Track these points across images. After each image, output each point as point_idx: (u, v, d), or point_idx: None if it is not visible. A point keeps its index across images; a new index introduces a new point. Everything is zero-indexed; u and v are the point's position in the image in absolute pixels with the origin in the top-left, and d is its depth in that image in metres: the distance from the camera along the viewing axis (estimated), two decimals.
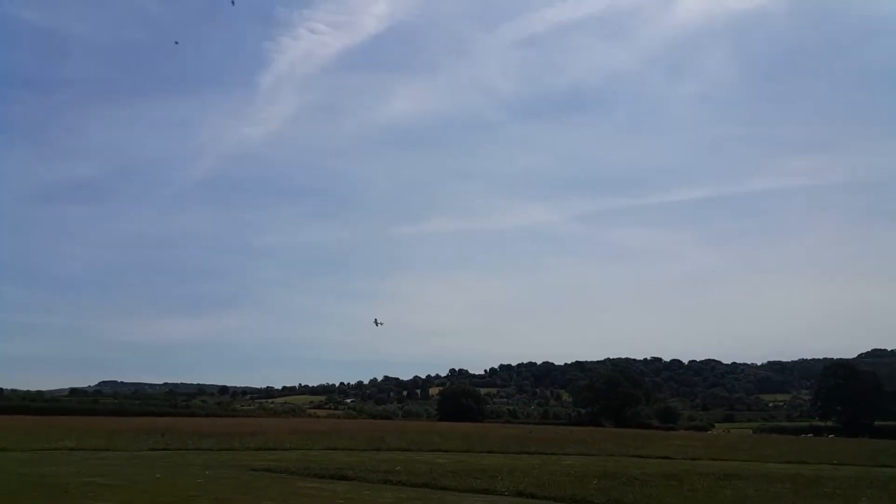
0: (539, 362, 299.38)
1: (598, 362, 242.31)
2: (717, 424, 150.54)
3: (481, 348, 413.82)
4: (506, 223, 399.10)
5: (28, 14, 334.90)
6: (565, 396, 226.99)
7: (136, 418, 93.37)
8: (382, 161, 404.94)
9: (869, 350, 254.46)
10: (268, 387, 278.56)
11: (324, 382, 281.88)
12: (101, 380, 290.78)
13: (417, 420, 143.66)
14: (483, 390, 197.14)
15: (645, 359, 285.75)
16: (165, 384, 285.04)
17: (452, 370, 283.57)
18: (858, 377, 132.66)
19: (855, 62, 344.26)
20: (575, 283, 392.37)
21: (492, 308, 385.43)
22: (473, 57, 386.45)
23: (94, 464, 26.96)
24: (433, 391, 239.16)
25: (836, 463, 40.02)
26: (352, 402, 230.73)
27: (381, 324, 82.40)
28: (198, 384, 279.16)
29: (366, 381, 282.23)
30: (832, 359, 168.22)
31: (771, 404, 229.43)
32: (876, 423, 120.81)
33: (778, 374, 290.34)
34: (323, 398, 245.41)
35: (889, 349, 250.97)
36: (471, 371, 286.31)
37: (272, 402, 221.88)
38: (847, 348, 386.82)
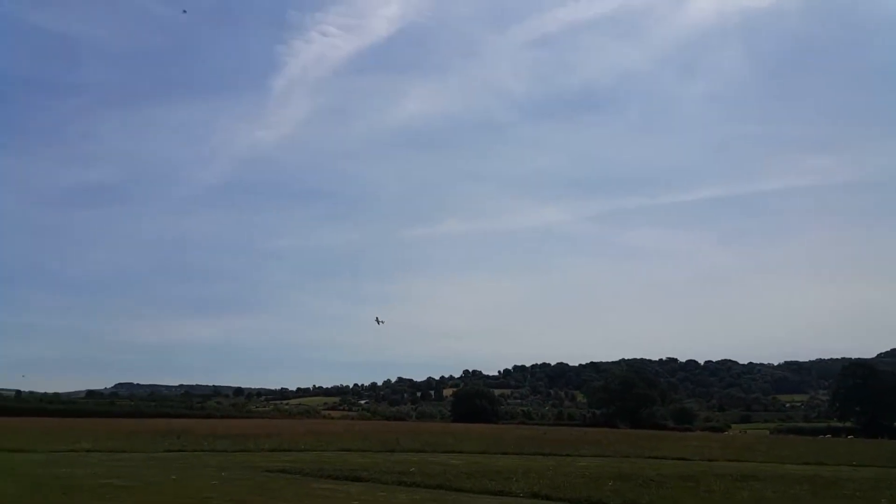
0: (553, 363, 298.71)
1: (612, 363, 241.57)
2: (733, 425, 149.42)
3: (495, 349, 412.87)
4: (518, 224, 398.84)
5: (44, 20, 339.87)
6: (580, 397, 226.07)
7: (152, 420, 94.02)
8: (394, 163, 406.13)
9: (888, 349, 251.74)
10: (282, 388, 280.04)
11: (338, 384, 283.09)
12: (117, 382, 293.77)
13: (431, 421, 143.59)
14: (497, 391, 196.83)
15: (660, 359, 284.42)
16: (181, 386, 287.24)
17: (466, 371, 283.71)
18: (878, 377, 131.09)
19: (866, 61, 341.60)
20: (588, 283, 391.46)
21: (505, 309, 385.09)
22: (485, 58, 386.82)
23: (111, 465, 27.12)
24: (447, 392, 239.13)
25: (855, 464, 39.49)
26: (366, 403, 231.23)
27: (382, 322, 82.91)
28: (213, 386, 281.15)
29: (379, 383, 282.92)
30: (850, 358, 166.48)
31: (788, 405, 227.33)
32: None
33: (795, 375, 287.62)
34: (337, 399, 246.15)
35: None
36: (484, 372, 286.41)
37: (286, 404, 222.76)
38: (866, 348, 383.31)
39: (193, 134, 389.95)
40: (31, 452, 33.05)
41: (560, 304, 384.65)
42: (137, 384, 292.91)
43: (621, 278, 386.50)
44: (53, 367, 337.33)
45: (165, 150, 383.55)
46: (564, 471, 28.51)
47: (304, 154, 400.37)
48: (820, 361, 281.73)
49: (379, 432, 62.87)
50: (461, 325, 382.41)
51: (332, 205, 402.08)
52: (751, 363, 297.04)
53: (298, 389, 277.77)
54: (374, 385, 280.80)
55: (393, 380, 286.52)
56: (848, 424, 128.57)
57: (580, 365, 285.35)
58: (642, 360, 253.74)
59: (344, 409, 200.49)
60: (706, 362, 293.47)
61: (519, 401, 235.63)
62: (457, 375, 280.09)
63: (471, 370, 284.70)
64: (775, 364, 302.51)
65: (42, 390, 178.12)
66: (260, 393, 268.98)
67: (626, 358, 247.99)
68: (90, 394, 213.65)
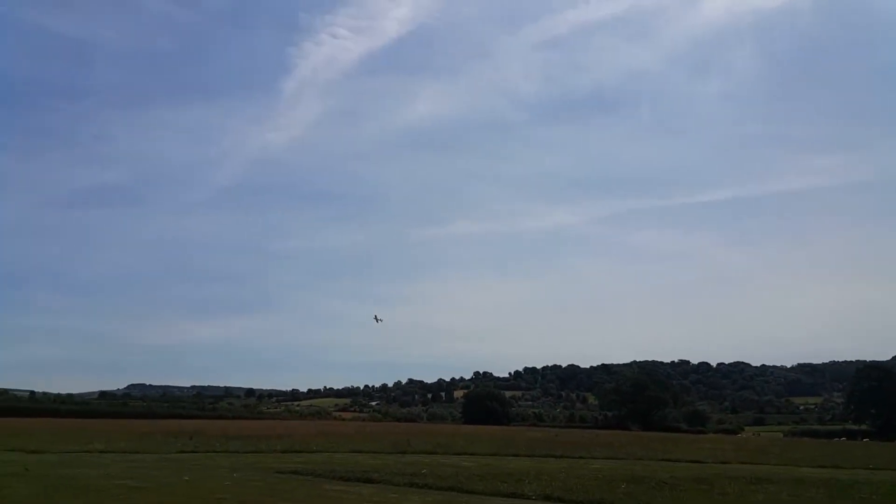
0: (564, 365, 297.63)
1: (624, 365, 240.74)
2: (746, 428, 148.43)
3: (505, 351, 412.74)
4: (528, 225, 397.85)
5: (57, 24, 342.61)
6: (591, 399, 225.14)
7: (165, 421, 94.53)
8: (404, 164, 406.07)
9: None
10: (293, 389, 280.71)
11: (348, 385, 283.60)
12: (129, 383, 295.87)
13: (442, 423, 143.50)
14: (508, 393, 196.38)
15: (672, 361, 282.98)
16: (193, 387, 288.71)
17: (477, 373, 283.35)
18: (893, 379, 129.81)
19: (878, 60, 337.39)
20: (599, 284, 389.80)
21: (515, 310, 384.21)
22: (495, 59, 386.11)
23: (124, 466, 27.23)
24: (458, 394, 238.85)
25: (872, 467, 39.08)
26: (376, 404, 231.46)
27: (381, 320, 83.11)
28: (225, 387, 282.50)
29: (390, 384, 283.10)
30: (865, 361, 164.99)
31: (802, 407, 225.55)
32: None
33: (808, 377, 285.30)
34: (348, 401, 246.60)
35: None
36: (495, 374, 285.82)
37: (298, 405, 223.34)
38: (880, 350, 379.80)
39: (204, 136, 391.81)
40: (44, 453, 33.25)
41: (571, 306, 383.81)
42: (150, 385, 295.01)
43: (632, 280, 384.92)
44: (67, 368, 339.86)
45: (176, 151, 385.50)
46: (577, 473, 28.35)
47: (315, 156, 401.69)
48: (834, 364, 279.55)
49: (390, 434, 62.87)
50: (471, 327, 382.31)
51: (343, 206, 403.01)
52: (764, 365, 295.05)
53: (309, 391, 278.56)
54: (384, 386, 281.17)
55: (403, 381, 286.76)
56: (863, 427, 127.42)
57: (591, 367, 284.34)
58: (654, 363, 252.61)
59: (355, 411, 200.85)
60: (718, 364, 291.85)
61: (530, 403, 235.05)
62: (467, 377, 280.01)
63: (481, 372, 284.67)
64: (788, 366, 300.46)
65: (55, 391, 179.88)
66: (271, 394, 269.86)
67: (637, 360, 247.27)
68: (103, 395, 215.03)
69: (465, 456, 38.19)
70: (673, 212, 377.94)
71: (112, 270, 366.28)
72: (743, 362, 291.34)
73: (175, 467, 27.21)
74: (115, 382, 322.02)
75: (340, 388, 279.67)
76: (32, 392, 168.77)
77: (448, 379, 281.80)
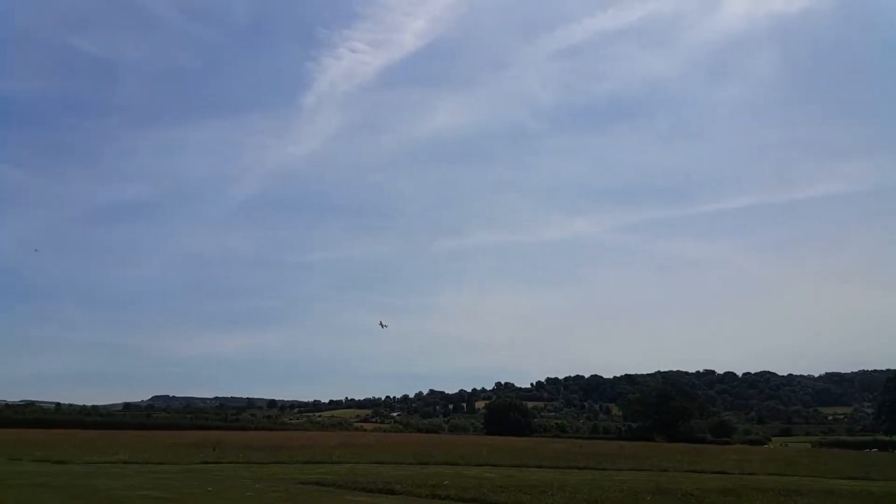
0: (587, 375, 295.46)
1: (648, 375, 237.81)
2: (773, 438, 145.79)
3: (527, 361, 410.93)
4: (550, 235, 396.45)
5: (82, 44, 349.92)
6: (615, 410, 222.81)
7: (188, 432, 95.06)
8: (424, 176, 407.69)
9: None
10: (315, 400, 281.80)
11: (369, 396, 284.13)
12: (153, 394, 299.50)
13: (464, 434, 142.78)
14: (530, 404, 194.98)
15: (697, 371, 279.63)
16: (216, 398, 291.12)
17: (498, 384, 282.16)
18: None
19: None
20: (621, 294, 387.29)
21: (537, 321, 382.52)
22: (513, 69, 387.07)
23: (148, 477, 27.39)
24: (479, 405, 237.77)
25: None
26: (398, 415, 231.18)
27: (386, 326, 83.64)
28: (247, 398, 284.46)
29: (411, 395, 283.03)
30: (895, 370, 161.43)
31: (830, 417, 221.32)
32: None
33: (837, 386, 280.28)
34: (369, 412, 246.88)
35: None
36: (517, 384, 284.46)
37: (319, 416, 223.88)
38: None
39: (225, 151, 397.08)
40: (70, 464, 33.61)
41: (593, 316, 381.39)
42: (173, 397, 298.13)
43: (655, 288, 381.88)
44: (92, 380, 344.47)
45: (198, 167, 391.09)
46: (602, 485, 27.95)
47: (334, 168, 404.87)
48: (863, 372, 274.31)
49: (412, 445, 62.65)
50: (493, 337, 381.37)
51: (363, 218, 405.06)
52: (790, 375, 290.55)
53: (331, 401, 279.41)
54: (405, 397, 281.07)
55: (425, 392, 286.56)
56: (895, 438, 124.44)
57: (615, 377, 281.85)
58: (678, 373, 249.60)
59: (376, 422, 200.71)
60: (744, 374, 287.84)
61: (553, 414, 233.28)
62: (489, 388, 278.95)
63: (503, 382, 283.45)
64: (816, 375, 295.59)
65: (81, 403, 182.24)
66: (293, 405, 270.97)
67: (661, 370, 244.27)
68: (127, 406, 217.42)
69: (487, 467, 37.89)
70: (695, 219, 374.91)
71: (136, 285, 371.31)
72: (769, 371, 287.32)
73: (198, 478, 27.31)
74: (139, 394, 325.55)
75: (362, 398, 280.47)
76: (58, 404, 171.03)
77: (469, 390, 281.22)
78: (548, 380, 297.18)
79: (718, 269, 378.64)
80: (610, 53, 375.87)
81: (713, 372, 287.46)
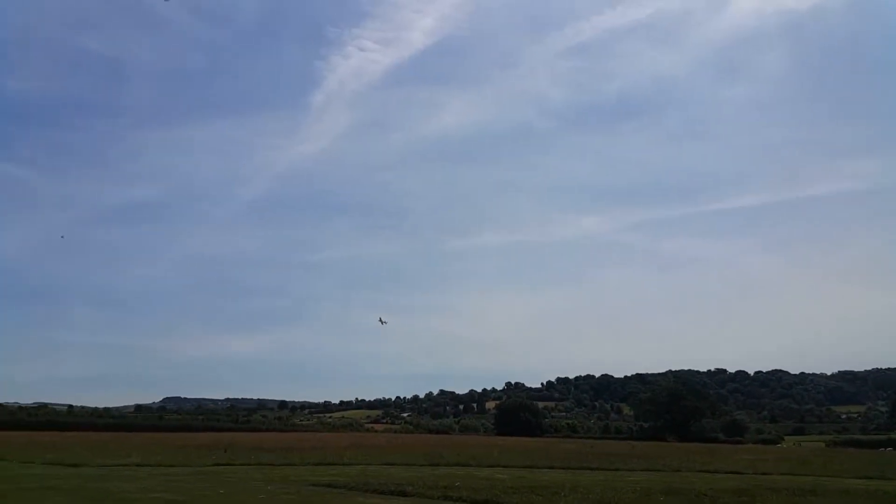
0: (598, 375, 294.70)
1: (659, 374, 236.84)
2: (786, 437, 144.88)
3: (537, 361, 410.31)
4: (559, 234, 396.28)
5: (90, 44, 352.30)
6: (626, 410, 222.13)
7: (200, 434, 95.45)
8: (433, 174, 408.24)
9: None
10: (325, 401, 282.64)
11: (380, 397, 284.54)
12: (165, 396, 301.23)
13: (475, 434, 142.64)
14: (540, 404, 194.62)
15: (708, 370, 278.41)
16: (227, 400, 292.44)
17: (508, 384, 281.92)
18: None
19: None
20: (632, 293, 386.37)
21: (547, 320, 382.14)
22: (521, 68, 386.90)
23: (160, 479, 27.45)
24: (489, 405, 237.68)
25: None
26: (408, 416, 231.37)
27: (385, 322, 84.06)
28: (258, 399, 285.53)
29: (421, 396, 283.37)
30: None
31: (844, 416, 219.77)
32: None
33: (850, 385, 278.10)
34: (379, 412, 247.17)
35: None
36: (527, 384, 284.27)
37: (330, 417, 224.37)
38: None
39: (235, 150, 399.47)
40: (82, 466, 33.75)
41: (603, 315, 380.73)
42: (184, 398, 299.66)
43: (666, 287, 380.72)
44: (103, 382, 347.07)
45: (208, 167, 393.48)
46: (614, 485, 27.77)
47: (343, 167, 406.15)
48: (876, 371, 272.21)
49: (422, 446, 62.59)
50: (503, 337, 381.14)
51: (372, 217, 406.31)
52: (803, 373, 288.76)
53: (341, 402, 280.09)
54: (416, 398, 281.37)
55: (435, 392, 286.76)
56: None
57: (625, 377, 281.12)
58: (690, 372, 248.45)
59: (387, 423, 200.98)
60: (756, 373, 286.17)
61: (563, 414, 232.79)
62: (499, 388, 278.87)
63: (513, 382, 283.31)
64: (829, 374, 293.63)
65: (93, 405, 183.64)
66: (304, 406, 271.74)
67: (673, 369, 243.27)
68: (139, 408, 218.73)
69: (498, 468, 37.74)
70: (705, 218, 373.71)
71: (146, 286, 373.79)
72: (781, 370, 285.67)
73: (210, 480, 27.34)
74: (151, 396, 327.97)
75: (372, 399, 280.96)
76: (71, 406, 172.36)
77: (480, 390, 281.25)
78: (558, 379, 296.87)
79: (729, 268, 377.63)
80: (618, 51, 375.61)
81: (725, 371, 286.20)
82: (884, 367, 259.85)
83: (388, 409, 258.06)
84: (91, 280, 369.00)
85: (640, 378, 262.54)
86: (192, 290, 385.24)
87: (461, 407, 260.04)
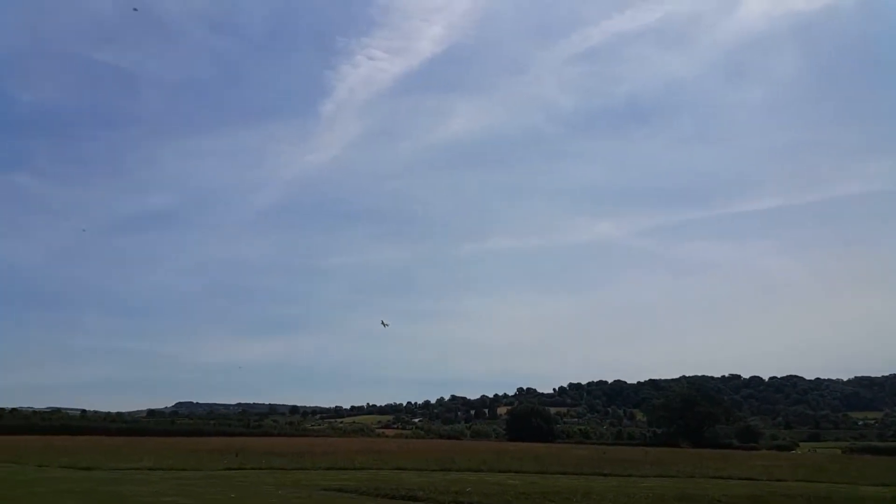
0: (610, 380, 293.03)
1: (672, 380, 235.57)
2: (801, 444, 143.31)
3: (549, 367, 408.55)
4: (571, 239, 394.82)
5: (104, 56, 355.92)
6: (639, 416, 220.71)
7: (212, 438, 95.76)
8: (443, 181, 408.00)
9: None
10: (336, 406, 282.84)
11: (391, 402, 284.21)
12: (177, 401, 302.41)
13: (486, 440, 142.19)
14: (552, 409, 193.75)
15: (722, 376, 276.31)
16: (238, 404, 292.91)
17: (520, 389, 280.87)
18: None
19: None
20: (644, 298, 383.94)
21: (558, 325, 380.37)
22: (530, 74, 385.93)
23: (172, 483, 27.51)
24: (501, 410, 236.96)
25: None
26: (419, 421, 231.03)
27: (387, 324, 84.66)
28: (269, 404, 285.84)
29: (433, 401, 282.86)
30: None
31: (861, 422, 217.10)
32: None
33: (867, 390, 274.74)
34: (390, 418, 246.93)
35: None
36: (539, 390, 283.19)
37: (341, 422, 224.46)
38: None
39: (246, 159, 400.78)
40: (95, 470, 33.91)
41: (615, 320, 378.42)
42: (196, 403, 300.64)
43: (679, 292, 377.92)
44: (116, 387, 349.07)
45: (219, 175, 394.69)
46: (627, 492, 27.54)
47: (354, 175, 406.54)
48: (894, 377, 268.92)
49: (434, 451, 62.42)
50: (515, 343, 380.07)
51: (383, 224, 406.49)
52: (818, 378, 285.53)
53: (352, 407, 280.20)
54: (427, 403, 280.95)
55: (446, 398, 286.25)
56: None
57: (638, 382, 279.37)
58: (703, 377, 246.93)
59: (398, 428, 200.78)
60: (771, 378, 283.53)
61: (576, 419, 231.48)
62: (511, 393, 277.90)
63: (525, 388, 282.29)
64: (845, 379, 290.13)
65: (106, 410, 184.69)
66: (315, 411, 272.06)
67: (686, 375, 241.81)
68: (151, 413, 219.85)
69: (510, 474, 37.55)
70: (718, 222, 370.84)
71: (158, 292, 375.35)
72: (796, 376, 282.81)
73: (222, 485, 27.37)
74: (163, 401, 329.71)
75: (383, 404, 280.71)
76: (83, 411, 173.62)
77: (491, 395, 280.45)
78: (570, 385, 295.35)
79: (742, 272, 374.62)
80: (627, 55, 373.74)
81: (739, 376, 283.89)
82: None
83: (399, 415, 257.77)
84: (104, 287, 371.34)
85: (653, 384, 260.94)
86: (205, 296, 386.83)
87: (472, 412, 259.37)
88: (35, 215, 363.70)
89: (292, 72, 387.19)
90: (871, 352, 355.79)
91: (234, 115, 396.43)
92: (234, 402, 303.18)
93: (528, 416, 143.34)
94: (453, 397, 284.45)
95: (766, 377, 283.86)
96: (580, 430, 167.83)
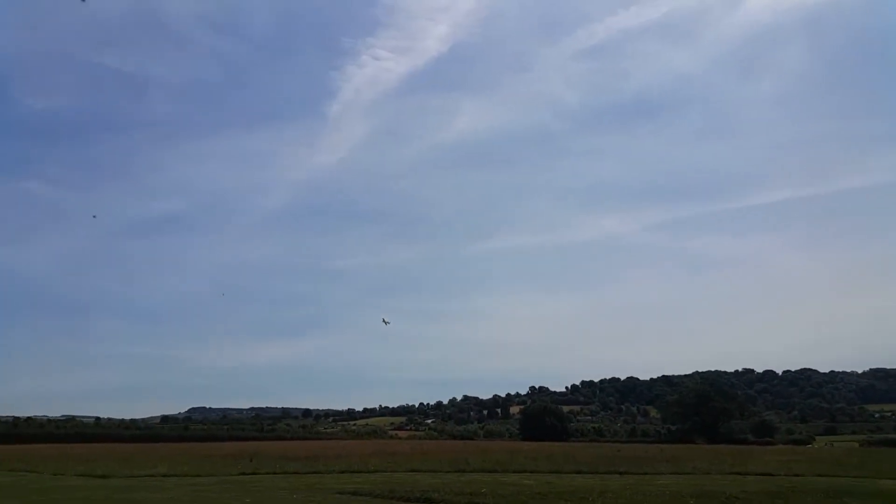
0: (623, 378, 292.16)
1: (685, 376, 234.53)
2: (817, 438, 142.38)
3: (561, 364, 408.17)
4: (580, 236, 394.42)
5: (112, 61, 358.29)
6: (653, 413, 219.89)
7: (225, 443, 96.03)
8: (451, 180, 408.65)
9: None
10: (349, 409, 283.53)
11: (403, 403, 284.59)
12: (190, 406, 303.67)
13: (500, 440, 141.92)
14: (565, 408, 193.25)
15: (736, 370, 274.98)
16: (251, 408, 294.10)
17: (533, 388, 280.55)
18: None
19: None
20: (656, 294, 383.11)
21: (570, 323, 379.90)
22: (536, 71, 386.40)
23: (187, 489, 27.49)
24: (514, 410, 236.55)
25: None
26: (432, 422, 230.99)
27: (388, 322, 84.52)
28: (282, 407, 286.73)
29: (445, 401, 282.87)
30: None
31: (878, 415, 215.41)
32: None
33: (883, 382, 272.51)
34: (403, 419, 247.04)
35: None
36: (552, 388, 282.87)
37: (354, 424, 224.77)
38: None
39: (254, 162, 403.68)
40: (110, 478, 33.95)
41: (627, 317, 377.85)
42: (210, 408, 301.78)
43: (690, 287, 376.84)
44: (130, 393, 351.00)
45: (228, 178, 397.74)
46: (643, 489, 27.31)
47: (362, 175, 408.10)
48: None
49: (447, 452, 62.22)
50: (526, 341, 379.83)
51: (392, 224, 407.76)
52: (833, 371, 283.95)
53: (365, 410, 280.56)
54: (439, 404, 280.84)
55: (458, 398, 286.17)
56: None
57: (651, 379, 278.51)
58: (717, 372, 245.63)
59: (411, 429, 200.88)
60: (784, 372, 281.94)
61: (589, 417, 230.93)
62: (523, 392, 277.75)
63: (537, 387, 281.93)
64: (860, 371, 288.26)
65: (119, 416, 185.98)
66: (327, 414, 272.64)
67: (699, 370, 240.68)
68: (165, 419, 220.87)
69: (525, 474, 37.32)
70: (728, 216, 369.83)
71: (170, 297, 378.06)
72: (810, 369, 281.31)
73: (236, 490, 27.33)
74: (177, 406, 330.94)
75: (395, 406, 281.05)
76: (98, 418, 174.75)
77: (503, 395, 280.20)
78: (583, 383, 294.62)
79: (753, 266, 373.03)
80: (634, 51, 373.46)
81: (752, 371, 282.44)
82: None
83: (411, 416, 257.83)
84: (116, 292, 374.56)
85: (666, 380, 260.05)
86: (216, 300, 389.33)
87: (485, 412, 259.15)
88: (47, 222, 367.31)
89: (298, 73, 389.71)
90: (886, 343, 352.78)
91: (241, 118, 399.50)
92: (247, 406, 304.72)
93: (541, 415, 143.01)
94: (465, 397, 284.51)
95: (779, 371, 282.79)
96: (594, 428, 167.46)
